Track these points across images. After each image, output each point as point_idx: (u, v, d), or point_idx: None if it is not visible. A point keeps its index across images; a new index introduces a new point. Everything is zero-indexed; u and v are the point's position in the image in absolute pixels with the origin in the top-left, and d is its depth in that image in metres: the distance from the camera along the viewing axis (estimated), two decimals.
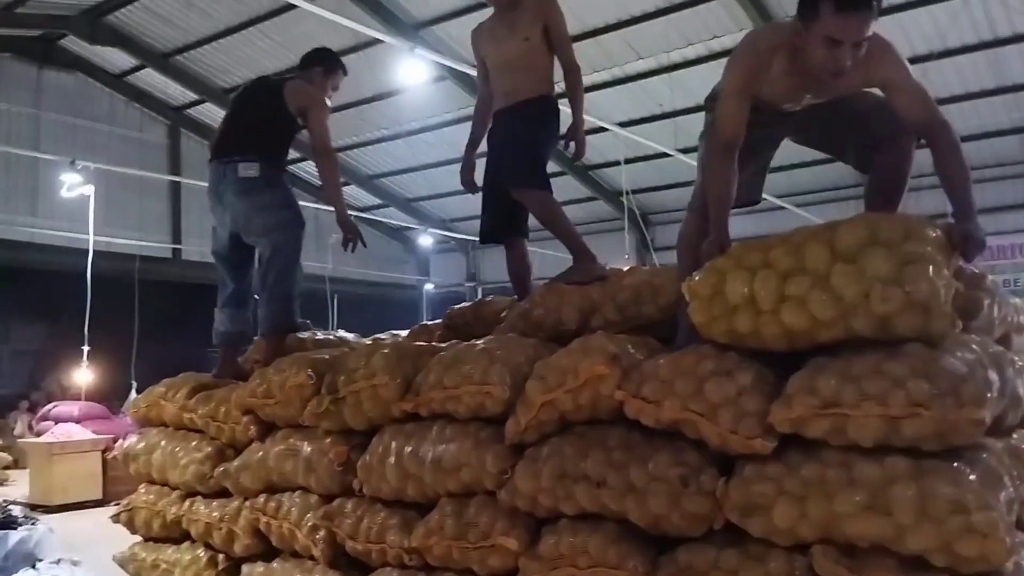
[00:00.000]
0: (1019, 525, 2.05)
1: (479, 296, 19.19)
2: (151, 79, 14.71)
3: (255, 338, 3.89)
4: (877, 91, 2.52)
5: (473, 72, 9.78)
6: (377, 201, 17.85)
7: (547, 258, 8.90)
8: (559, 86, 3.54)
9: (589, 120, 10.70)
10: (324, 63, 3.96)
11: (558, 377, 2.26)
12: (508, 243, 3.61)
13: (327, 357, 3.11)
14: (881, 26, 2.53)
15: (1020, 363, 2.36)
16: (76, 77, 14.39)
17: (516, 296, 3.50)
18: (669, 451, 2.06)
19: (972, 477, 1.76)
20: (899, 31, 10.07)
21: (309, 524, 2.87)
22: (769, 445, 1.91)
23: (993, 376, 1.89)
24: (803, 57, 2.26)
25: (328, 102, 3.88)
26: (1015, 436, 2.17)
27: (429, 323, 3.92)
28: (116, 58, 14.16)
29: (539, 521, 2.29)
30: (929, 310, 1.83)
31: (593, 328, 2.77)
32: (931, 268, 1.87)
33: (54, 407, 10.82)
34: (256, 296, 3.86)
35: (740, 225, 2.91)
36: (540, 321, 2.92)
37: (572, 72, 3.46)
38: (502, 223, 3.55)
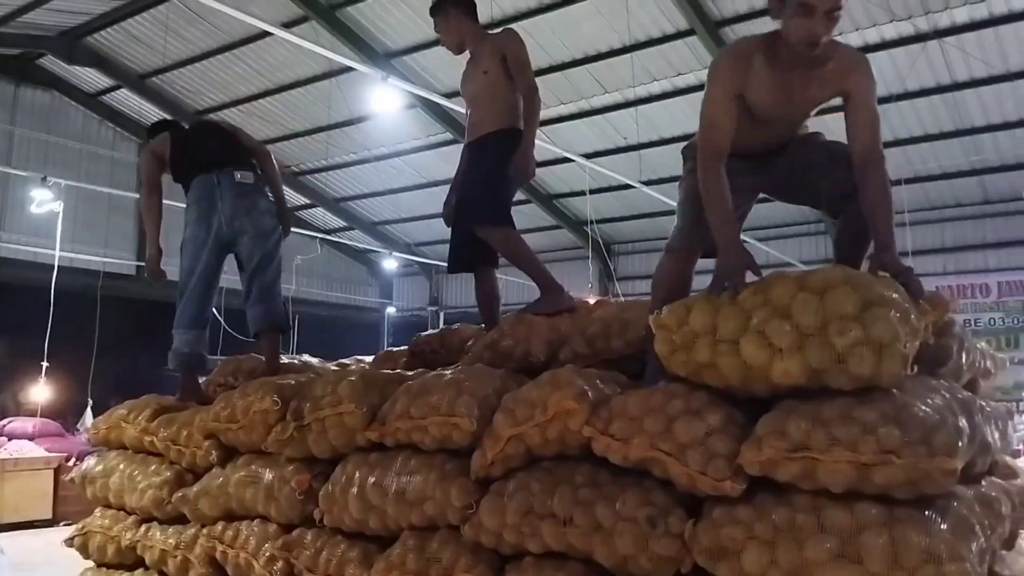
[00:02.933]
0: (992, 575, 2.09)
1: (441, 321, 19.14)
2: (125, 99, 14.80)
3: (213, 359, 3.91)
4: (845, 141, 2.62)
5: (442, 101, 9.89)
6: (343, 224, 17.80)
7: (513, 284, 8.94)
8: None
9: (555, 151, 10.96)
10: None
11: (526, 411, 2.23)
12: (477, 273, 3.62)
13: (293, 383, 3.06)
14: None
15: (988, 409, 2.42)
16: (52, 95, 14.51)
17: (484, 325, 3.50)
18: (637, 490, 2.03)
19: (944, 526, 1.74)
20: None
21: (267, 554, 2.79)
22: (738, 487, 1.89)
23: (963, 423, 1.90)
24: (780, 54, 2.32)
25: None
26: (984, 484, 2.17)
27: (394, 350, 3.90)
28: (92, 78, 14.23)
29: (503, 558, 2.24)
30: (884, 350, 1.84)
31: (562, 361, 2.76)
32: (894, 312, 1.90)
33: (9, 423, 10.52)
34: (246, 299, 3.88)
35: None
36: (508, 352, 2.91)
37: (528, 96, 3.47)
38: (471, 253, 3.55)
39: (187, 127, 4.36)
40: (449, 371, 2.68)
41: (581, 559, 2.08)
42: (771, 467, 1.87)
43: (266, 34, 9.52)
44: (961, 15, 9.95)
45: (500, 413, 2.32)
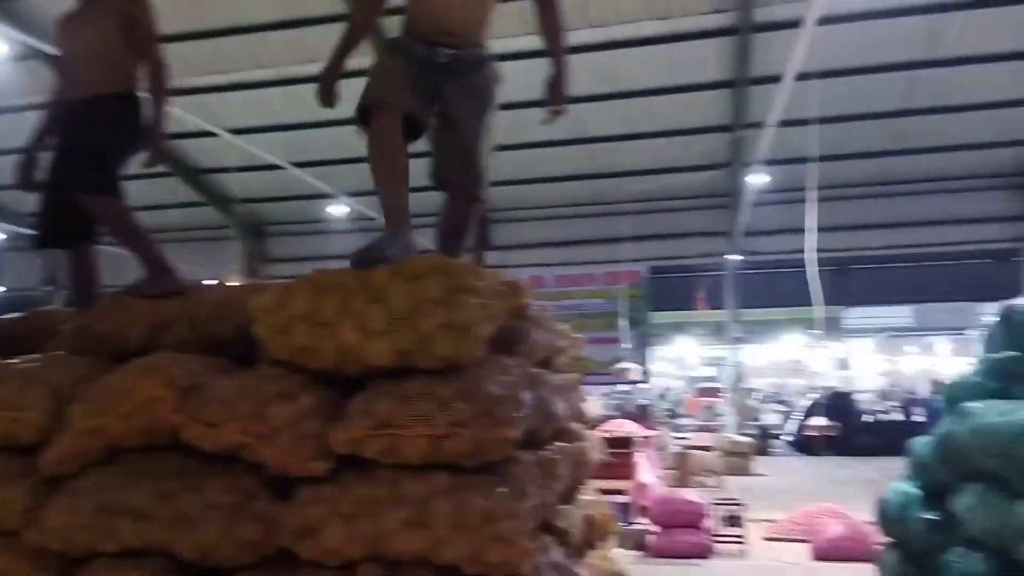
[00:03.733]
0: (547, 527, 2.38)
1: (59, 302, 16.87)
2: None
3: None
4: (481, 138, 2.82)
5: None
6: None
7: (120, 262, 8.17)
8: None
9: (198, 123, 10.24)
10: None
11: (108, 400, 2.05)
12: (72, 248, 3.23)
13: None
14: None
15: (557, 382, 2.76)
16: None
17: (78, 308, 3.14)
18: (225, 477, 1.98)
19: (502, 489, 1.94)
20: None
21: None
22: (325, 467, 1.94)
23: (526, 396, 2.13)
24: None
25: None
26: (548, 448, 2.48)
27: None
28: None
29: (72, 561, 2.04)
30: (464, 332, 2.02)
31: (164, 346, 2.59)
32: (475, 298, 2.09)
33: None
34: None
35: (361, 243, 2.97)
36: (102, 337, 2.63)
37: (155, 69, 3.21)
38: (66, 225, 3.16)
39: None
40: (20, 360, 2.36)
41: (160, 554, 1.98)
42: (358, 445, 1.96)
43: None
44: (585, 36, 11.35)
45: (78, 404, 2.10)
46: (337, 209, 14.22)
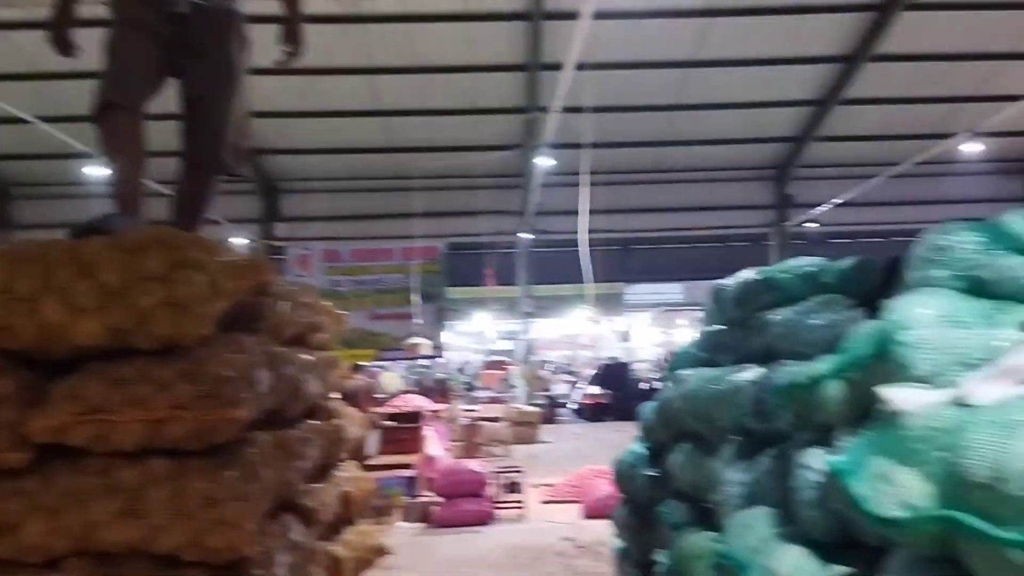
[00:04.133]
0: (290, 506, 2.33)
1: None
2: None
3: None
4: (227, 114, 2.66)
5: None
6: None
7: None
8: None
9: None
10: None
11: None
12: None
13: None
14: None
15: (310, 360, 2.70)
16: None
17: None
18: None
19: (229, 472, 1.87)
20: (265, 45, 10.81)
21: None
22: (22, 457, 1.78)
23: (262, 376, 2.07)
24: None
25: None
26: (296, 428, 2.43)
27: None
28: None
29: None
30: (187, 310, 1.92)
31: None
32: (201, 274, 1.99)
33: None
34: None
35: None
36: None
37: None
38: None
39: None
40: None
41: None
42: (63, 432, 1.81)
43: None
44: (382, 5, 11.16)
45: None
46: (95, 171, 12.90)
